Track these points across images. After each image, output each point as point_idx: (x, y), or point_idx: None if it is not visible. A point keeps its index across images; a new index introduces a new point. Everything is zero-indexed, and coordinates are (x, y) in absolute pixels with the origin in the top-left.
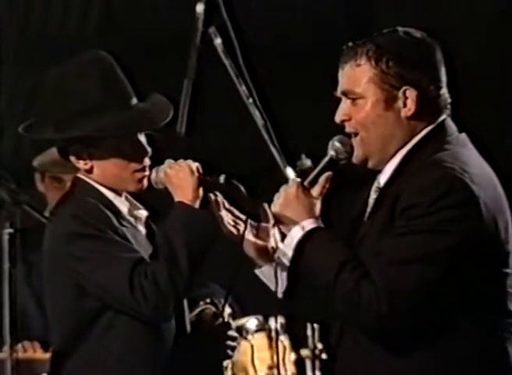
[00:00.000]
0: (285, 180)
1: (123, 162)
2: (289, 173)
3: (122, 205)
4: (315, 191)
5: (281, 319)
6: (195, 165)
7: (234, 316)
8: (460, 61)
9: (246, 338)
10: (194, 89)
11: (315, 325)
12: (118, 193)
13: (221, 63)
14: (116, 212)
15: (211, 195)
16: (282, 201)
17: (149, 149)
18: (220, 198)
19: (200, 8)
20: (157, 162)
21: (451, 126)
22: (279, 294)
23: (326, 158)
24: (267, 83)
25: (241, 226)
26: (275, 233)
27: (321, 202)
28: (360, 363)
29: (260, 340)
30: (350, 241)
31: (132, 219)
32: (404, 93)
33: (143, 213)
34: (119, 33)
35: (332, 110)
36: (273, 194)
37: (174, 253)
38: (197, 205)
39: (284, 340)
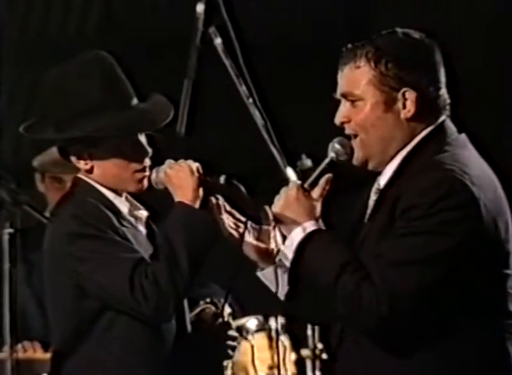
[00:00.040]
0: (285, 180)
1: (124, 163)
2: (290, 173)
3: (123, 205)
4: (316, 192)
5: (281, 319)
6: (195, 165)
7: (234, 315)
8: (459, 61)
9: (246, 338)
10: (194, 89)
11: (315, 325)
12: (118, 193)
13: (221, 63)
14: (117, 212)
15: (212, 198)
16: (283, 203)
17: (149, 149)
18: (221, 201)
19: (200, 8)
20: (157, 162)
21: (451, 127)
22: (281, 297)
23: (326, 160)
24: (267, 83)
25: (242, 229)
26: (276, 235)
27: (322, 204)
28: (360, 365)
29: (260, 340)
30: (351, 242)
31: (132, 220)
32: (404, 94)
33: (143, 213)
34: (119, 33)
35: (333, 110)
36: (273, 195)
37: (174, 253)
38: (197, 205)
39: (284, 340)
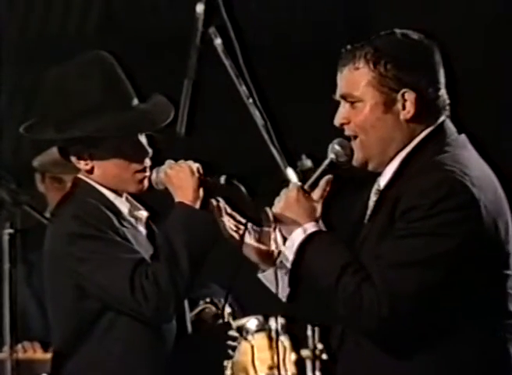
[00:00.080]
0: (285, 181)
1: (124, 163)
2: (290, 173)
3: (123, 205)
4: (316, 194)
5: (281, 320)
6: (196, 165)
7: (234, 315)
8: (458, 62)
9: (246, 338)
10: (194, 89)
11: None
12: (118, 193)
13: (221, 63)
14: (117, 212)
15: (213, 201)
16: (283, 204)
17: (150, 150)
18: (222, 203)
19: (200, 8)
20: (157, 162)
21: (450, 127)
22: (283, 298)
23: (326, 162)
24: (267, 83)
25: (243, 232)
26: (276, 236)
27: (322, 205)
28: (361, 366)
29: (260, 340)
30: (351, 243)
31: (132, 220)
32: (403, 95)
33: (143, 214)
34: (119, 33)
35: (333, 110)
36: (274, 196)
37: (175, 254)
38: (197, 205)
39: (284, 340)
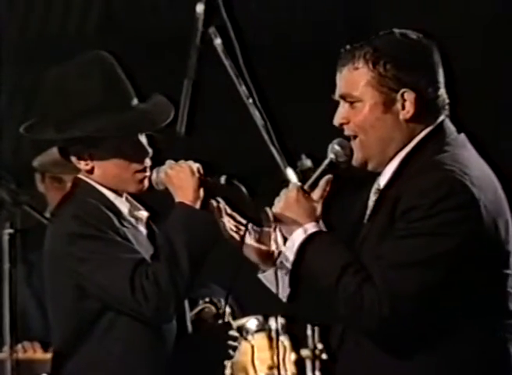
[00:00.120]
0: (285, 181)
1: (124, 163)
2: (290, 173)
3: (123, 205)
4: (316, 194)
5: (281, 320)
6: (196, 165)
7: (234, 315)
8: (457, 61)
9: (246, 338)
10: (194, 89)
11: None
12: (118, 193)
13: (221, 63)
14: (117, 212)
15: (213, 201)
16: (283, 204)
17: (150, 150)
18: (222, 204)
19: (200, 8)
20: (157, 162)
21: (450, 127)
22: (283, 298)
23: (326, 162)
24: (267, 83)
25: (243, 232)
26: (276, 237)
27: (322, 205)
28: (361, 366)
29: (260, 340)
30: (350, 243)
31: (133, 220)
32: (402, 95)
33: (143, 214)
34: (119, 33)
35: (332, 110)
36: (274, 196)
37: (175, 254)
38: (197, 205)
39: (284, 340)
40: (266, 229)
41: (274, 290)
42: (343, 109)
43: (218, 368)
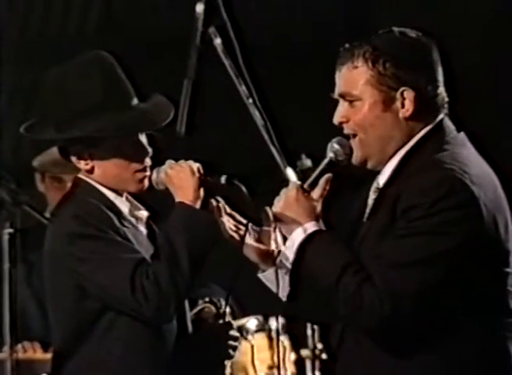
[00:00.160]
0: (285, 180)
1: (124, 163)
2: (290, 173)
3: (123, 205)
4: (316, 193)
5: (281, 320)
6: (196, 165)
7: (234, 315)
8: (456, 60)
9: (246, 338)
10: (194, 89)
11: (315, 325)
12: (119, 193)
13: (221, 63)
14: (117, 212)
15: (213, 201)
16: (283, 204)
17: (150, 149)
18: (222, 203)
19: (200, 8)
20: (157, 162)
21: (449, 125)
22: (283, 298)
23: (325, 161)
24: (267, 83)
25: (243, 232)
26: (276, 236)
27: (322, 204)
28: (361, 365)
29: (260, 340)
30: (350, 242)
31: (133, 220)
32: (402, 94)
33: (143, 214)
34: (119, 33)
35: (332, 110)
36: (273, 195)
37: (175, 253)
38: (197, 205)
39: (284, 340)
40: (266, 228)
41: (274, 289)
42: (342, 108)
43: (218, 368)
